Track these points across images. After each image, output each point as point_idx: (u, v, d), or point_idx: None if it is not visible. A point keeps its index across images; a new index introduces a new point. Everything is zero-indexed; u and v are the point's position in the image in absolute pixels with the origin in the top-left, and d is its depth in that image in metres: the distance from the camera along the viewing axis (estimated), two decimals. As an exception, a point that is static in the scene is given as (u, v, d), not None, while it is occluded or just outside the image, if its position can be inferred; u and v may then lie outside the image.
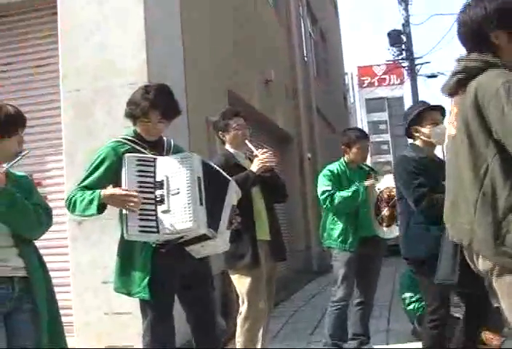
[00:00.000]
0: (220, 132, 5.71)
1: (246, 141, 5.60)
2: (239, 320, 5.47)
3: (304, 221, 16.77)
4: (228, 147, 5.69)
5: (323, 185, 6.50)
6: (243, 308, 5.45)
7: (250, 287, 5.39)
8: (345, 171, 6.59)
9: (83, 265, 7.02)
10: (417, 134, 5.32)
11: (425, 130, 5.26)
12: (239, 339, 5.47)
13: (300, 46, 18.40)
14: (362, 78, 52.03)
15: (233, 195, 4.45)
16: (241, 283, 5.47)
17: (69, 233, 7.10)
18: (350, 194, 6.35)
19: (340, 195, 6.35)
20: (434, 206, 4.78)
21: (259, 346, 5.42)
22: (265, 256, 5.49)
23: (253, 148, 5.55)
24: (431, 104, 5.40)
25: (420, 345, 5.98)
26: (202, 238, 4.18)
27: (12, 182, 3.75)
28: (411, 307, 7.07)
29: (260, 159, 5.40)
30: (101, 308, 6.91)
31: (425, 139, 5.27)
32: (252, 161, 5.50)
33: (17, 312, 3.69)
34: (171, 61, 7.81)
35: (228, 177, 4.53)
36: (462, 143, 3.05)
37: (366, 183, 6.44)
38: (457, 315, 5.70)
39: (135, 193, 4.08)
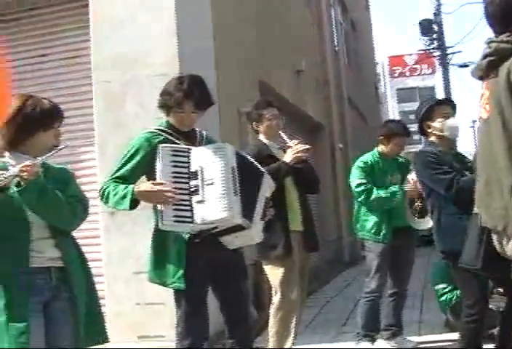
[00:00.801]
0: (254, 123, 5.70)
1: (280, 131, 5.58)
2: (272, 310, 5.48)
3: (335, 211, 16.73)
4: (261, 137, 5.69)
5: (357, 177, 6.46)
6: (275, 299, 5.45)
7: (283, 278, 5.39)
8: (378, 161, 6.55)
9: (115, 256, 7.06)
10: (429, 130, 5.27)
11: (436, 124, 5.21)
12: (272, 330, 5.48)
13: (330, 36, 18.31)
14: (393, 68, 51.80)
15: (266, 186, 4.45)
16: (273, 273, 5.47)
17: (102, 224, 7.14)
18: (388, 196, 6.32)
19: (377, 194, 6.32)
20: (465, 188, 4.71)
21: (292, 336, 5.43)
22: (298, 246, 5.49)
23: (287, 139, 5.52)
24: (440, 98, 5.35)
25: (452, 336, 5.98)
26: (236, 229, 4.18)
27: (50, 174, 3.79)
28: (443, 298, 7.03)
29: (293, 150, 5.39)
30: (133, 298, 6.95)
31: (438, 133, 5.21)
32: (285, 151, 5.49)
33: (54, 300, 3.74)
34: (202, 52, 7.80)
35: (261, 168, 4.52)
36: (495, 126, 3.01)
37: (407, 188, 6.37)
38: (490, 306, 5.67)
39: (167, 188, 4.09)
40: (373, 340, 6.47)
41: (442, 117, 5.21)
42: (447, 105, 5.37)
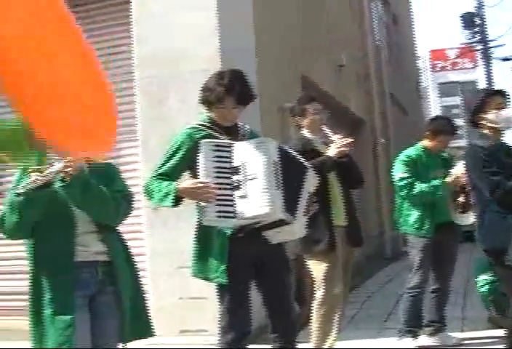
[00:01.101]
0: (297, 117, 5.69)
1: (323, 126, 5.57)
2: (315, 305, 5.47)
3: (377, 206, 16.63)
4: (305, 132, 5.67)
5: (400, 170, 6.41)
6: (319, 294, 5.45)
7: (326, 273, 5.38)
8: (422, 156, 6.49)
9: (159, 250, 7.10)
10: (482, 122, 5.20)
11: (490, 116, 5.13)
12: (315, 325, 5.47)
13: (371, 31, 18.18)
14: (435, 62, 51.38)
15: (310, 181, 4.42)
16: (317, 268, 5.47)
17: (145, 219, 7.19)
18: (430, 189, 6.26)
19: (419, 187, 6.27)
20: (510, 193, 4.67)
21: (335, 331, 5.42)
22: (341, 241, 5.47)
23: (330, 133, 5.50)
24: (493, 90, 5.27)
25: (495, 332, 5.91)
26: (279, 224, 4.16)
27: (95, 169, 3.81)
28: (483, 289, 6.97)
29: (336, 144, 5.37)
30: (176, 293, 6.99)
31: (491, 125, 5.14)
32: (328, 146, 5.47)
33: (100, 294, 3.78)
34: (243, 48, 7.80)
35: (305, 162, 4.49)
36: None
37: (448, 180, 6.31)
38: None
39: (208, 185, 4.08)
40: (415, 336, 6.43)
41: (496, 108, 5.14)
42: (500, 96, 5.28)
